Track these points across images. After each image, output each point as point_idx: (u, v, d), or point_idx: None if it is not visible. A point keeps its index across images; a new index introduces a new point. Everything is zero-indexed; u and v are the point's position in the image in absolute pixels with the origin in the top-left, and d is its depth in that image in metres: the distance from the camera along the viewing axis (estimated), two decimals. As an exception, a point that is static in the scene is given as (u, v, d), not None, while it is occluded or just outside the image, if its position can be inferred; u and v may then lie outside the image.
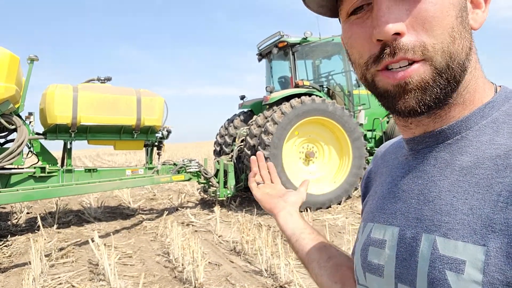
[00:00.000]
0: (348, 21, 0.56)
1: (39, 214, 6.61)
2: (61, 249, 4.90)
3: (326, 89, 7.59)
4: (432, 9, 0.49)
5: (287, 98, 6.57)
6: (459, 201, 0.50)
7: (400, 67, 0.51)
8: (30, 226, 6.19)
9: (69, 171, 5.78)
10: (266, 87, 7.50)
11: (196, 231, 5.67)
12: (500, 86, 0.57)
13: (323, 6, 0.60)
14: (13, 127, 4.84)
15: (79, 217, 6.75)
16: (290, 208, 0.98)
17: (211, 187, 6.83)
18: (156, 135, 6.50)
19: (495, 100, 0.54)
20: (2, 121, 4.63)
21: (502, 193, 0.46)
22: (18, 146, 4.75)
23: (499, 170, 0.48)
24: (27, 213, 7.15)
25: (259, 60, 8.23)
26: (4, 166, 4.88)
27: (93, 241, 4.40)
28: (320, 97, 6.72)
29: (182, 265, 4.09)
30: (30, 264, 4.02)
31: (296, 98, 6.41)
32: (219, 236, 5.27)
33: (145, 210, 7.30)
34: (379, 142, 8.01)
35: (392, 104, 0.54)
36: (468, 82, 0.54)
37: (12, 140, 5.51)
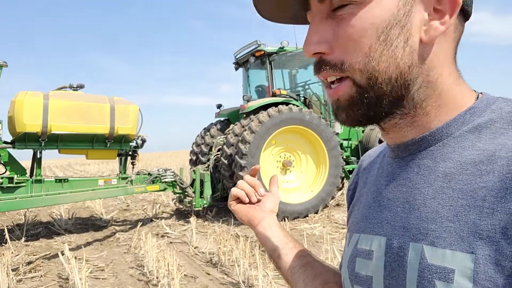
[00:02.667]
0: None
1: (6, 226, 6.32)
2: (29, 263, 4.68)
3: (303, 98, 7.63)
4: (350, 30, 0.51)
5: (264, 107, 6.56)
6: (444, 208, 0.49)
7: (332, 84, 0.55)
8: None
9: (39, 181, 5.56)
10: (243, 96, 7.48)
11: (171, 242, 5.53)
12: (481, 93, 0.57)
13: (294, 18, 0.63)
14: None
15: (48, 229, 6.50)
16: (269, 218, 0.91)
17: (187, 197, 6.71)
18: (130, 144, 6.35)
19: (476, 106, 0.54)
20: (-33, 129, 4.41)
21: (487, 198, 0.45)
22: (-16, 156, 4.53)
23: (482, 175, 0.47)
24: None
25: (236, 69, 8.21)
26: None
27: (63, 254, 4.23)
28: (297, 106, 6.74)
29: (157, 278, 3.97)
30: (-5, 279, 3.82)
31: (274, 107, 6.41)
32: (195, 248, 5.16)
33: (118, 221, 7.10)
34: (354, 151, 8.09)
35: (336, 117, 0.58)
36: (430, 93, 0.54)
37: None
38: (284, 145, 6.71)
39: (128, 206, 8.72)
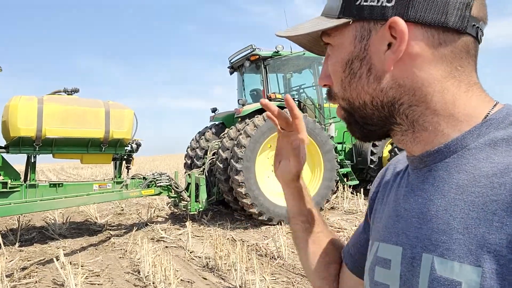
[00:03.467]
0: None
1: (0, 231, 6.26)
2: (23, 269, 4.63)
3: (297, 102, 7.66)
4: (330, 68, 0.64)
5: (260, 111, 6.57)
6: (455, 220, 0.50)
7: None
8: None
9: (33, 186, 5.52)
10: (238, 100, 7.48)
11: (167, 247, 5.51)
12: (503, 104, 0.57)
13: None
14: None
15: (42, 234, 6.44)
16: (293, 184, 0.89)
17: (182, 201, 6.69)
18: (125, 148, 6.32)
19: (493, 118, 0.54)
20: (-40, 134, 4.37)
21: (497, 212, 0.46)
22: (-22, 161, 4.49)
23: (494, 188, 0.48)
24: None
25: (231, 73, 8.23)
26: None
27: (57, 259, 4.19)
28: (292, 110, 6.75)
29: (153, 283, 3.95)
30: (-11, 286, 3.78)
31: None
32: (191, 252, 5.14)
33: (113, 226, 7.06)
34: (349, 154, 8.13)
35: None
36: (422, 110, 0.57)
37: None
38: (279, 149, 6.72)
39: (122, 210, 8.67)
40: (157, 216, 7.69)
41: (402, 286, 0.55)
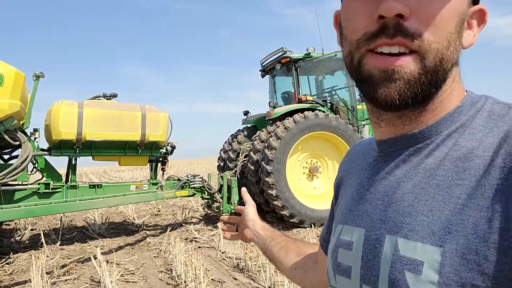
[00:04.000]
0: None
1: (43, 230, 6.58)
2: (63, 266, 4.87)
3: (329, 104, 7.60)
4: (441, 7, 0.49)
5: (290, 113, 6.58)
6: (420, 202, 0.51)
7: (391, 53, 0.51)
8: (34, 243, 6.17)
9: (73, 187, 5.79)
10: (269, 103, 7.53)
11: (199, 247, 5.62)
12: (466, 91, 0.58)
13: None
14: (17, 143, 4.87)
15: (83, 234, 6.74)
16: (255, 229, 1.09)
17: (215, 203, 6.80)
18: (161, 150, 6.50)
19: (462, 105, 0.55)
20: (6, 137, 4.66)
21: (461, 196, 0.47)
22: (22, 162, 4.77)
23: (459, 172, 0.49)
24: (31, 229, 7.13)
25: (263, 76, 8.28)
26: (8, 182, 4.90)
27: (95, 258, 4.37)
28: (324, 112, 6.72)
29: (185, 282, 4.05)
30: (30, 282, 4.00)
31: (299, 113, 6.42)
32: (222, 253, 5.22)
33: (149, 226, 7.27)
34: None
35: (373, 91, 0.53)
36: (444, 91, 0.55)
37: (17, 156, 5.55)
38: (310, 151, 6.70)
39: (159, 211, 8.91)
40: (192, 217, 7.85)
41: (363, 267, 0.55)
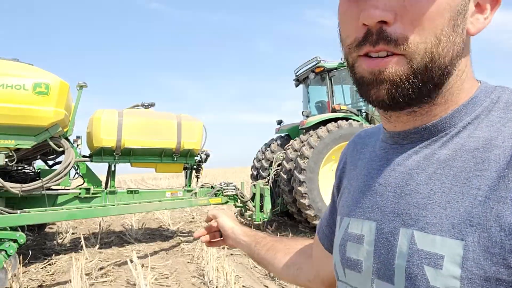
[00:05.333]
0: None
1: (83, 234, 6.86)
2: (101, 269, 5.05)
3: (364, 113, 7.53)
4: (427, 6, 0.48)
5: (324, 123, 6.57)
6: (436, 194, 0.49)
7: (378, 57, 0.50)
8: (74, 246, 6.44)
9: (112, 192, 6.00)
10: (302, 112, 7.54)
11: (231, 254, 5.67)
12: (480, 82, 0.57)
13: None
14: (61, 149, 5.12)
15: (120, 238, 6.96)
16: (236, 236, 1.08)
17: (248, 211, 6.85)
18: (195, 158, 6.65)
19: (476, 96, 0.54)
20: (51, 143, 4.92)
21: (481, 187, 0.45)
22: (65, 168, 5.01)
23: (477, 163, 0.47)
24: (72, 233, 7.44)
25: (296, 85, 8.32)
26: (51, 187, 5.15)
27: (131, 261, 4.51)
28: (358, 121, 6.66)
29: (217, 287, 4.11)
30: (70, 282, 4.18)
31: (333, 122, 6.40)
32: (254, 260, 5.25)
33: (183, 233, 7.42)
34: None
35: (365, 92, 0.53)
36: (453, 84, 0.53)
37: (60, 162, 5.83)
38: (344, 160, 6.64)
39: (193, 218, 9.07)
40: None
41: (376, 261, 0.54)
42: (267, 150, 7.94)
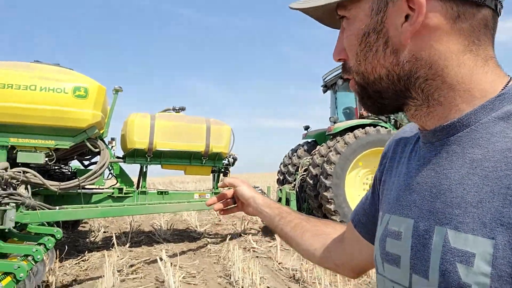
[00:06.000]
0: None
1: (115, 233, 7.12)
2: (131, 266, 5.24)
3: (393, 120, 7.50)
4: (345, 41, 0.63)
5: (351, 129, 6.60)
6: (469, 194, 0.51)
7: None
8: (106, 244, 6.69)
9: (143, 192, 6.22)
10: (330, 118, 7.58)
11: (257, 256, 5.76)
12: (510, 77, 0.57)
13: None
14: (97, 150, 5.37)
15: (150, 238, 7.17)
16: (258, 206, 1.09)
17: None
18: (223, 161, 6.79)
19: (506, 92, 0.54)
20: (88, 144, 5.17)
21: (511, 187, 0.47)
22: (100, 168, 5.25)
23: (508, 162, 0.48)
24: (104, 232, 7.73)
25: (324, 91, 8.37)
26: (87, 186, 5.41)
27: (161, 259, 4.68)
28: (386, 128, 6.65)
29: (242, 287, 4.21)
30: (103, 277, 4.38)
31: (360, 129, 6.42)
32: (279, 263, 5.33)
33: (210, 234, 7.57)
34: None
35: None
36: (438, 84, 0.57)
37: (95, 163, 6.10)
38: (371, 167, 6.64)
39: (220, 221, 9.22)
40: (250, 228, 8.03)
41: (413, 257, 0.56)
42: (294, 156, 8.01)
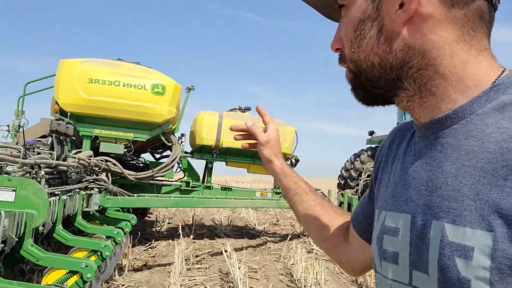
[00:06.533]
0: None
1: (179, 224, 7.45)
2: (196, 256, 5.48)
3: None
4: (342, 29, 0.63)
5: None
6: (465, 186, 0.50)
7: None
8: (170, 234, 7.02)
9: (208, 187, 6.48)
10: (397, 123, 7.43)
11: (317, 258, 5.78)
12: (510, 70, 0.56)
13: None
14: (169, 144, 5.68)
15: (211, 232, 7.42)
16: (274, 166, 1.03)
17: (334, 218, 6.90)
18: (286, 162, 6.88)
19: (500, 83, 0.53)
20: (163, 138, 5.48)
21: (508, 178, 0.46)
22: (172, 161, 5.55)
23: (503, 153, 0.47)
24: (168, 223, 8.11)
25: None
26: (157, 178, 5.73)
27: (226, 251, 4.85)
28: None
29: (305, 286, 4.26)
30: (171, 265, 4.62)
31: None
32: (340, 267, 5.31)
33: (269, 233, 7.68)
34: None
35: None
36: (430, 74, 0.56)
37: (165, 156, 6.44)
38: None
39: (277, 221, 9.32)
40: (309, 230, 8.05)
41: (412, 253, 0.55)
42: (356, 160, 7.93)
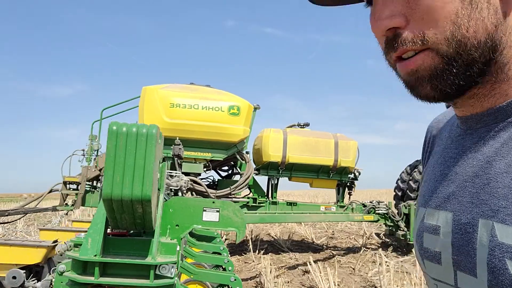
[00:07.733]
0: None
1: (249, 238, 7.59)
2: (276, 269, 5.61)
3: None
4: (431, 1, 0.46)
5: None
6: None
7: (408, 57, 0.50)
8: (233, 250, 7.16)
9: (274, 203, 6.64)
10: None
11: (388, 271, 5.83)
12: None
13: None
14: (244, 162, 5.89)
15: (272, 246, 7.56)
16: None
17: (399, 230, 6.95)
18: (349, 175, 7.00)
19: None
20: (238, 156, 5.70)
21: None
22: (246, 179, 5.75)
23: None
24: (225, 239, 8.28)
25: (447, 106, 8.22)
26: (232, 195, 5.94)
27: (310, 264, 4.97)
28: None
29: (395, 297, 4.34)
30: (251, 279, 4.74)
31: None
32: (419, 278, 5.35)
33: (330, 247, 7.76)
34: None
35: (414, 93, 0.52)
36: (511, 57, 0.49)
37: (233, 174, 6.66)
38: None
39: (333, 234, 9.39)
40: (369, 243, 8.10)
41: (456, 253, 0.51)
42: (415, 171, 7.96)
